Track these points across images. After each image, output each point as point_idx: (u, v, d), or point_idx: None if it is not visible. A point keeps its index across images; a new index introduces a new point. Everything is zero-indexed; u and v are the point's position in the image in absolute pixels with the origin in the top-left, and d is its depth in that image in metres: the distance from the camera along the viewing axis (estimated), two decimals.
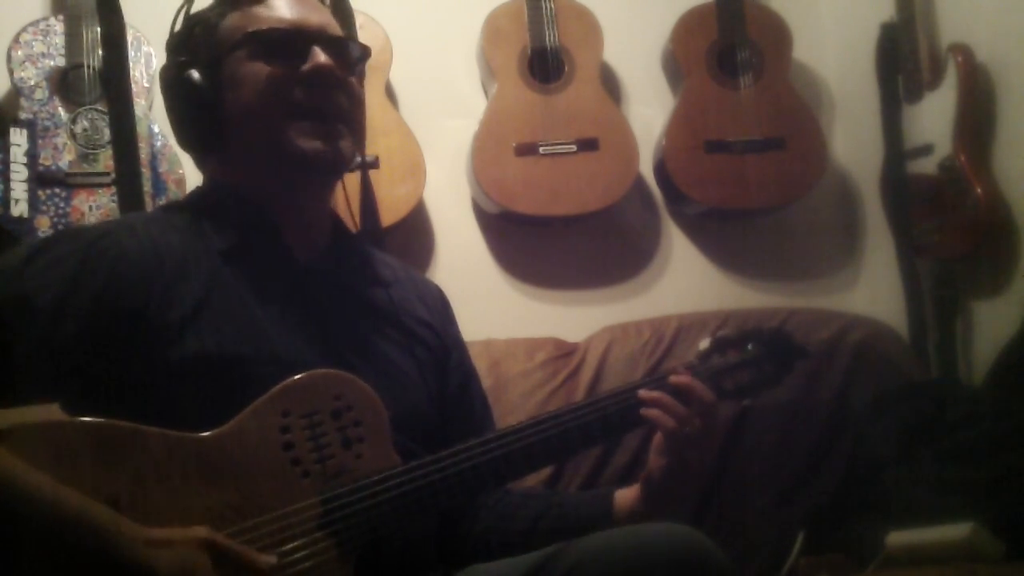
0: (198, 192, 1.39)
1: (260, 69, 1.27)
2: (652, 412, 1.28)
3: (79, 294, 1.18)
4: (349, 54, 1.32)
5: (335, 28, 1.34)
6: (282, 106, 1.26)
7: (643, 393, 1.29)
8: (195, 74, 1.28)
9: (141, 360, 1.17)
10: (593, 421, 1.28)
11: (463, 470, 1.20)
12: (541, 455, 1.26)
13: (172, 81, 1.32)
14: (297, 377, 1.18)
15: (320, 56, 1.27)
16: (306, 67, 1.26)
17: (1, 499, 1.03)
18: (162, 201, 2.19)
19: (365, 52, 1.35)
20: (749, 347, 1.39)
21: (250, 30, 1.28)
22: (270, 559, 1.10)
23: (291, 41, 1.28)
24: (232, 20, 1.30)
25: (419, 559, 1.28)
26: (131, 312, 1.18)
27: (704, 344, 1.38)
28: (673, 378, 1.30)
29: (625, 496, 1.36)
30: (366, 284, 1.38)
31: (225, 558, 1.07)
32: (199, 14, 1.34)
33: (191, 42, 1.32)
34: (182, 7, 1.37)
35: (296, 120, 1.26)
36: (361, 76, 1.38)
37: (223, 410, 1.15)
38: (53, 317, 1.16)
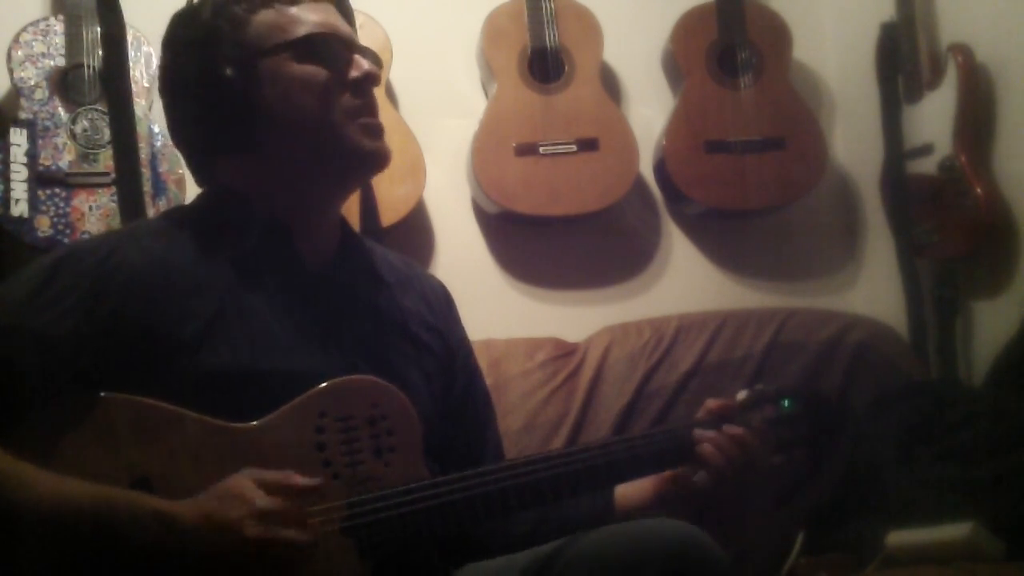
0: (205, 199, 1.36)
1: (313, 73, 1.26)
2: (706, 448, 1.31)
3: (93, 322, 1.17)
4: (376, 62, 1.33)
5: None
6: (338, 109, 1.26)
7: (698, 433, 1.32)
8: (229, 72, 1.25)
9: (157, 377, 1.17)
10: (602, 462, 1.27)
11: (488, 492, 1.20)
12: (565, 486, 1.25)
13: (197, 78, 1.27)
14: (338, 380, 1.20)
15: (364, 64, 1.28)
16: (356, 74, 1.27)
17: (46, 510, 1.06)
18: (162, 201, 2.19)
19: (379, 61, 1.36)
20: (785, 404, 1.40)
21: (300, 34, 1.26)
22: (313, 480, 1.12)
23: (338, 48, 1.28)
24: (266, 18, 1.27)
25: (421, 559, 1.28)
26: (145, 331, 1.18)
27: (741, 395, 1.39)
28: (728, 428, 1.33)
29: (630, 490, 1.36)
30: (374, 289, 1.38)
31: (267, 484, 1.09)
32: (219, 7, 1.28)
33: (215, 37, 1.27)
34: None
35: (353, 122, 1.27)
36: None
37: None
38: (69, 349, 1.15)
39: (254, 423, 1.16)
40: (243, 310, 1.23)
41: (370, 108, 1.29)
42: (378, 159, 1.31)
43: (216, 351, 1.18)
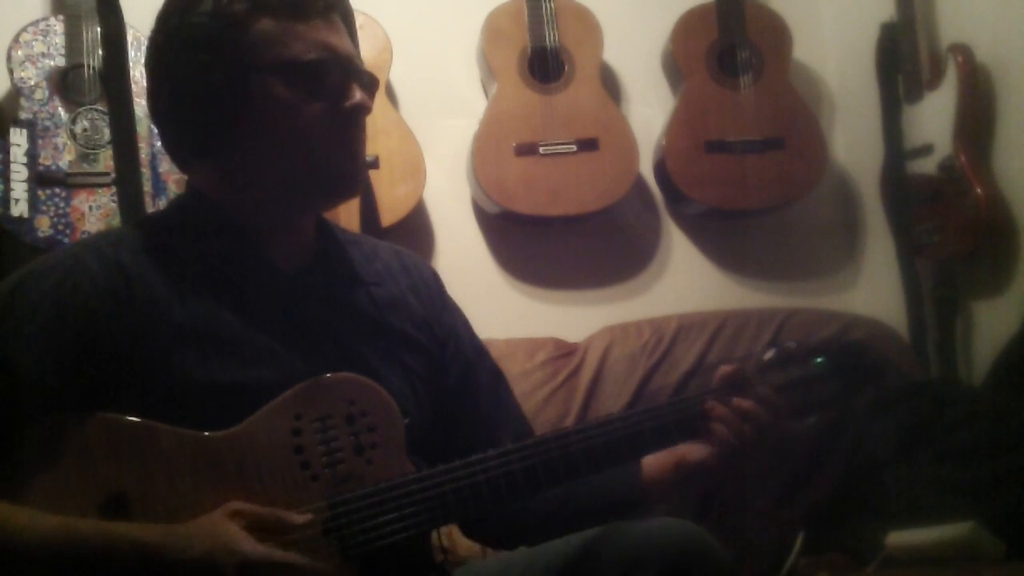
0: (177, 206, 1.33)
1: (303, 100, 1.22)
2: (713, 425, 1.26)
3: (58, 347, 1.14)
4: (372, 85, 1.30)
5: (358, 55, 1.30)
6: (324, 136, 1.23)
7: (708, 405, 1.27)
8: (218, 78, 1.20)
9: (130, 393, 1.15)
10: (601, 442, 1.23)
11: (477, 483, 1.18)
12: (561, 472, 1.22)
13: (184, 75, 1.22)
14: (311, 380, 1.18)
15: (358, 94, 1.24)
16: (348, 105, 1.23)
17: (21, 548, 1.06)
18: (162, 201, 2.20)
19: (375, 85, 1.31)
20: (816, 362, 1.32)
21: (297, 55, 1.21)
22: (304, 516, 1.12)
23: (334, 74, 1.23)
24: (267, 28, 1.22)
25: (418, 559, 1.27)
26: (113, 348, 1.16)
27: (768, 355, 1.33)
28: (738, 402, 1.27)
29: (653, 463, 1.31)
30: (354, 287, 1.34)
31: (258, 522, 1.09)
32: (222, 7, 1.22)
33: (211, 37, 1.21)
34: None
35: (336, 147, 1.24)
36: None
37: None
38: (36, 376, 1.13)
39: (228, 431, 1.15)
40: (216, 322, 1.20)
41: (356, 136, 1.26)
42: (352, 185, 1.28)
43: (188, 362, 1.16)
